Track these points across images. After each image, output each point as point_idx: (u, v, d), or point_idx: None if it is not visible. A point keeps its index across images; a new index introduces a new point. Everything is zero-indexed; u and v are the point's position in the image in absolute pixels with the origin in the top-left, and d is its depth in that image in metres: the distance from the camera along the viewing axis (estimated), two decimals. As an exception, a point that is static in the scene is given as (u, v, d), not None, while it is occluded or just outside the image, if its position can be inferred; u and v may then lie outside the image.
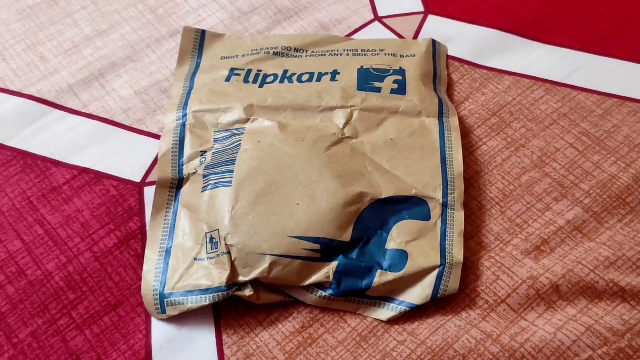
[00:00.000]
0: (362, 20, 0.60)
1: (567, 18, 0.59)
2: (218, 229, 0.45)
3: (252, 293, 0.43)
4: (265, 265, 0.43)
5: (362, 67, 0.54)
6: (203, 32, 0.58)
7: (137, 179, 0.51)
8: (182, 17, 0.61)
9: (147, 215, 0.48)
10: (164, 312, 0.44)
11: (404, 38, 0.58)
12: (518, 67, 0.56)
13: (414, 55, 0.55)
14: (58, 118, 0.54)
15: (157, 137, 0.53)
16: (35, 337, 0.44)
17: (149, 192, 0.50)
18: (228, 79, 0.54)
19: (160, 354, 0.43)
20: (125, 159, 0.52)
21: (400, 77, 0.53)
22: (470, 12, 0.60)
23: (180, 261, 0.45)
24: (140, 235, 0.48)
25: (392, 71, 0.54)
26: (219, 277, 0.43)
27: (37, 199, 0.50)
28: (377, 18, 0.60)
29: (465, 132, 0.52)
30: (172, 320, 0.44)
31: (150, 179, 0.51)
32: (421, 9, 0.61)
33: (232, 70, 0.54)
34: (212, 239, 0.45)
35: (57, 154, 0.52)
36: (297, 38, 0.57)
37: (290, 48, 0.56)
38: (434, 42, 0.57)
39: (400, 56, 0.55)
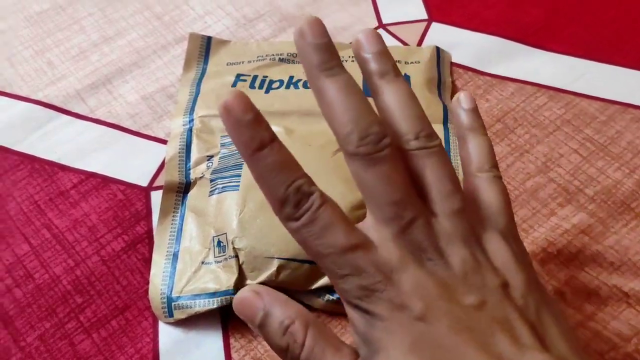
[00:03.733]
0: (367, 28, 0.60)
1: (569, 25, 0.60)
2: (225, 233, 0.45)
3: (259, 296, 0.43)
4: (272, 268, 0.43)
5: (367, 73, 0.54)
6: (209, 38, 0.58)
7: (144, 183, 0.51)
8: (188, 24, 0.61)
9: (154, 219, 0.49)
10: (171, 315, 0.44)
11: (408, 45, 0.59)
12: (521, 73, 0.57)
13: (418, 62, 0.56)
14: (65, 123, 0.55)
15: (164, 142, 0.53)
16: (43, 340, 0.44)
17: (156, 197, 0.50)
18: (234, 85, 0.54)
19: (168, 357, 0.43)
20: (132, 163, 0.52)
21: (405, 83, 0.53)
22: (473, 20, 0.61)
23: (187, 265, 0.45)
24: (147, 239, 0.48)
25: (397, 77, 0.54)
26: (226, 280, 0.44)
27: (44, 202, 0.50)
28: (381, 25, 0.61)
29: (470, 138, 0.53)
30: (179, 323, 0.44)
31: (157, 183, 0.51)
32: (425, 16, 0.61)
33: (238, 76, 0.55)
34: (219, 242, 0.45)
35: (63, 159, 0.52)
36: (302, 44, 0.57)
37: (296, 54, 0.57)
38: (437, 49, 0.57)
39: (405, 63, 0.56)
